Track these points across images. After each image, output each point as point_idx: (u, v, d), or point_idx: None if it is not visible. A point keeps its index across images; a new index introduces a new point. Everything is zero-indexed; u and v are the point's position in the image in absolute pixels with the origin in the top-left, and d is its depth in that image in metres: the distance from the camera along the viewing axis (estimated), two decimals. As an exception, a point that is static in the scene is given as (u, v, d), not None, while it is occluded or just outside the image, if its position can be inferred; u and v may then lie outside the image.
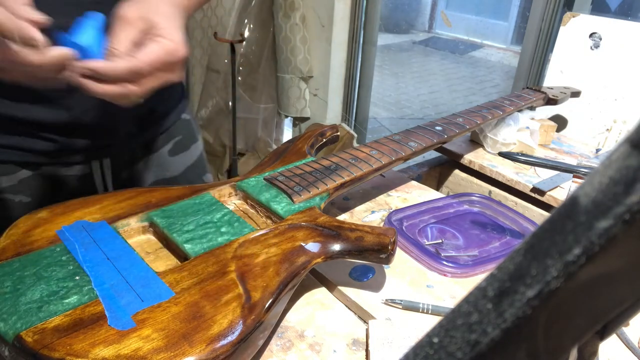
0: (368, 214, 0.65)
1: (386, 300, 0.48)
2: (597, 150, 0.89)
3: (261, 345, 0.40)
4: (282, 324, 0.45)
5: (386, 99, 3.41)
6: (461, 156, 0.82)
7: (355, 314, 0.48)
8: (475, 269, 0.53)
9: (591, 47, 0.92)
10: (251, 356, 0.39)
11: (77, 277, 0.39)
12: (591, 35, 0.92)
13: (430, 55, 4.09)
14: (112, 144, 0.65)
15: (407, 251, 0.56)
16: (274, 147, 2.07)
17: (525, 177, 0.75)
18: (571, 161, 0.83)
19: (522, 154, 0.67)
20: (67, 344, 0.33)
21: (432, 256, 0.54)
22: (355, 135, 1.80)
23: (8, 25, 0.38)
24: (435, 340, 0.15)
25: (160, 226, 0.47)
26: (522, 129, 0.83)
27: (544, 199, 0.72)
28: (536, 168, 0.78)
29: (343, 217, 0.64)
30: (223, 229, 0.47)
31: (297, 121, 2.00)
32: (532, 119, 0.88)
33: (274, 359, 0.42)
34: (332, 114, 1.90)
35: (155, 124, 0.70)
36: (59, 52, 0.42)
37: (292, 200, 0.52)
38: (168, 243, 0.47)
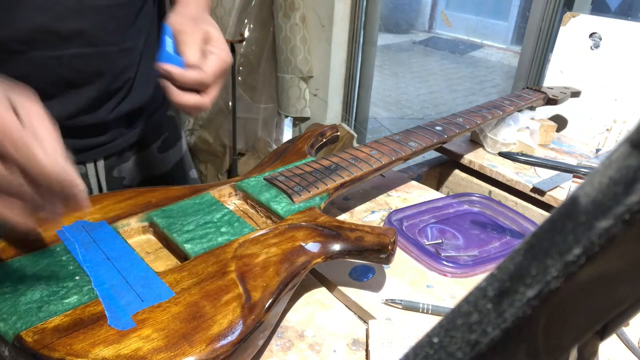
0: (368, 214, 0.65)
1: (386, 300, 0.48)
2: (597, 150, 0.89)
3: (261, 345, 0.40)
4: (282, 324, 0.45)
5: (386, 99, 3.41)
6: (461, 156, 0.82)
7: (355, 314, 0.48)
8: (475, 269, 0.53)
9: (591, 47, 0.92)
10: (251, 356, 0.39)
11: (77, 277, 0.39)
12: (591, 35, 0.92)
13: (430, 55, 4.09)
14: (104, 143, 0.66)
15: (407, 251, 0.56)
16: (274, 147, 2.07)
17: (525, 177, 0.75)
18: (571, 161, 0.83)
19: (522, 154, 0.67)
20: (67, 344, 0.33)
21: (432, 256, 0.54)
22: (355, 135, 1.80)
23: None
24: (435, 340, 0.15)
25: (160, 226, 0.47)
26: (522, 129, 0.83)
27: (544, 199, 0.72)
28: (536, 168, 0.78)
29: (343, 217, 0.64)
30: (223, 229, 0.47)
31: (297, 121, 2.00)
32: (532, 119, 0.88)
33: (274, 359, 0.42)
34: (332, 114, 1.89)
35: (144, 121, 0.70)
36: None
37: (292, 200, 0.52)
38: (168, 243, 0.47)
